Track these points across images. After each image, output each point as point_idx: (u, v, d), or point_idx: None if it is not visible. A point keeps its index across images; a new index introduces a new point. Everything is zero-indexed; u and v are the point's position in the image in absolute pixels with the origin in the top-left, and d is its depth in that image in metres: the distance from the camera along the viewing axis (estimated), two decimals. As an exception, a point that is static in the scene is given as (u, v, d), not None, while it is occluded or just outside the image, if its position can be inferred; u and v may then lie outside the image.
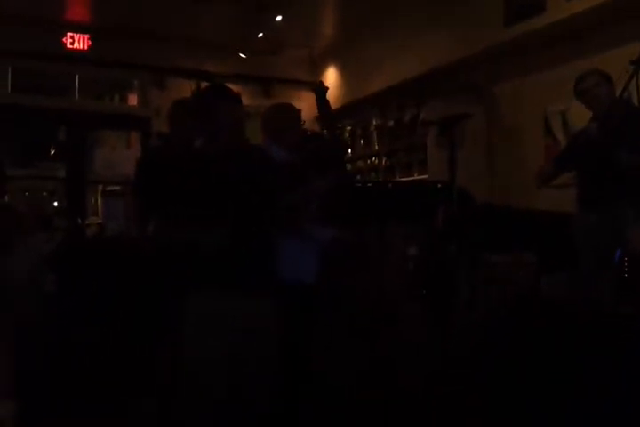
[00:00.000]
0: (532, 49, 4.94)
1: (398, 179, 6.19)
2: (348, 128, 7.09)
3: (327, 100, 2.58)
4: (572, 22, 4.46)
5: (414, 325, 3.11)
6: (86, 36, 6.43)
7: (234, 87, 2.32)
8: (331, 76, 7.38)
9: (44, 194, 6.26)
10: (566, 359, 2.40)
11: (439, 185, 3.59)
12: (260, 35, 6.55)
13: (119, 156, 6.57)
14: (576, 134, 3.69)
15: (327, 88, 2.59)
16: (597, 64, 3.51)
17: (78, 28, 6.38)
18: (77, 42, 6.42)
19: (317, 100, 2.58)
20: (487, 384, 2.62)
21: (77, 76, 6.62)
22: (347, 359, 2.78)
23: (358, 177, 6.60)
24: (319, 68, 7.59)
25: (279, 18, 6.22)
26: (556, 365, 2.39)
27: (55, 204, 6.29)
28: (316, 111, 2.76)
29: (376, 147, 6.77)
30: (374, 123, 6.82)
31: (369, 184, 4.78)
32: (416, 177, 5.91)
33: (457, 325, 2.76)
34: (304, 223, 2.36)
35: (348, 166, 6.58)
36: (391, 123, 6.54)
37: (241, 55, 6.92)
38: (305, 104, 7.08)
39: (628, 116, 2.98)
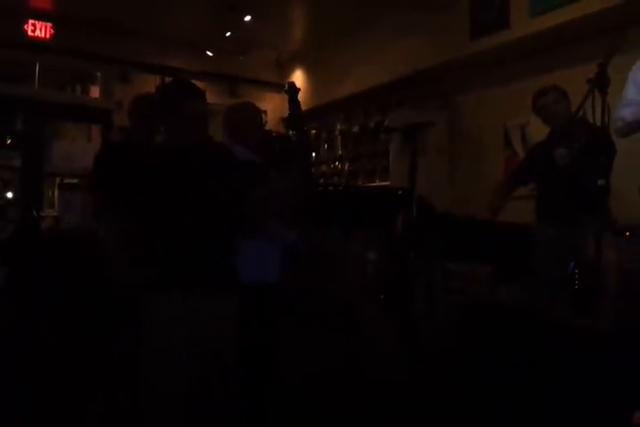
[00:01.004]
0: (495, 63, 5.06)
1: (361, 184, 6.23)
2: (313, 132, 7.11)
3: (298, 102, 2.58)
4: (534, 39, 4.60)
5: (372, 327, 3.13)
6: (49, 25, 6.25)
7: (199, 85, 2.29)
8: (297, 80, 7.38)
9: (-1, 183, 6.06)
10: (516, 367, 2.45)
11: (400, 192, 3.63)
12: (228, 34, 6.51)
13: (79, 148, 6.40)
14: (532, 148, 3.77)
15: (299, 89, 2.58)
16: (558, 80, 3.61)
17: (41, 16, 6.21)
18: (39, 30, 6.24)
19: (289, 100, 2.58)
20: (439, 389, 2.65)
21: (38, 65, 6.43)
22: (307, 358, 2.78)
23: (321, 181, 6.62)
24: (286, 71, 7.59)
25: (248, 18, 6.19)
26: (506, 372, 2.44)
27: (9, 194, 6.10)
28: (286, 112, 2.75)
29: (340, 152, 6.81)
30: (339, 128, 6.86)
31: (330, 188, 4.79)
32: (378, 183, 5.97)
33: (413, 330, 2.79)
34: (267, 222, 2.34)
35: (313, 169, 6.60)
36: (356, 128, 6.60)
37: (208, 53, 6.86)
38: (270, 105, 7.09)
39: (592, 135, 3.05)
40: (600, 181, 2.60)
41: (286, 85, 2.58)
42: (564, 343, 2.47)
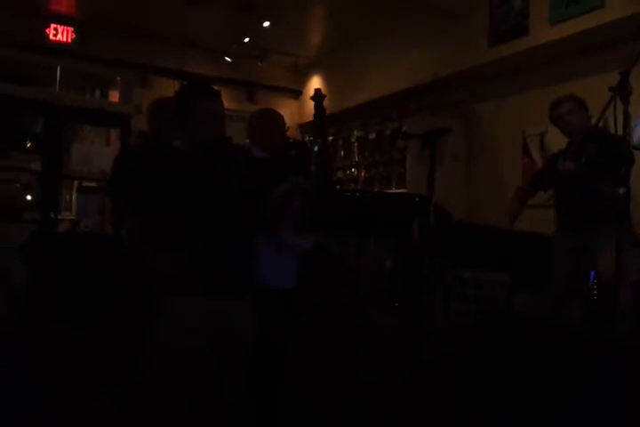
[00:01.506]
0: (514, 71, 5.03)
1: (377, 190, 6.20)
2: (330, 138, 7.11)
3: (324, 108, 2.63)
4: (553, 47, 4.57)
5: (385, 335, 3.12)
6: (70, 29, 6.34)
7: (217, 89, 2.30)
8: (314, 86, 7.35)
9: (17, 186, 6.12)
10: (528, 375, 2.43)
11: (417, 198, 3.62)
12: (247, 39, 6.56)
13: (97, 152, 6.47)
14: (550, 158, 3.76)
15: (324, 96, 2.63)
16: (578, 89, 3.59)
17: (63, 21, 6.30)
18: (61, 34, 6.33)
19: (315, 107, 2.63)
20: (447, 397, 2.63)
21: (59, 69, 6.52)
22: (319, 364, 2.78)
23: (337, 187, 6.61)
24: (303, 77, 7.62)
25: (267, 23, 6.23)
26: (518, 380, 2.42)
27: (28, 197, 6.17)
28: (302, 118, 2.79)
29: (356, 158, 6.80)
30: (355, 134, 6.86)
31: (347, 193, 4.78)
32: (394, 190, 5.95)
33: (426, 338, 2.78)
34: (283, 227, 2.35)
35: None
36: (373, 135, 6.58)
37: (226, 59, 6.91)
38: (286, 111, 7.06)
39: (603, 145, 3.05)
40: (621, 190, 2.59)
41: (313, 92, 2.62)
42: (579, 352, 2.45)
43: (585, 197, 3.11)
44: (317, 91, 2.62)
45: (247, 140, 2.81)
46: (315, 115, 2.61)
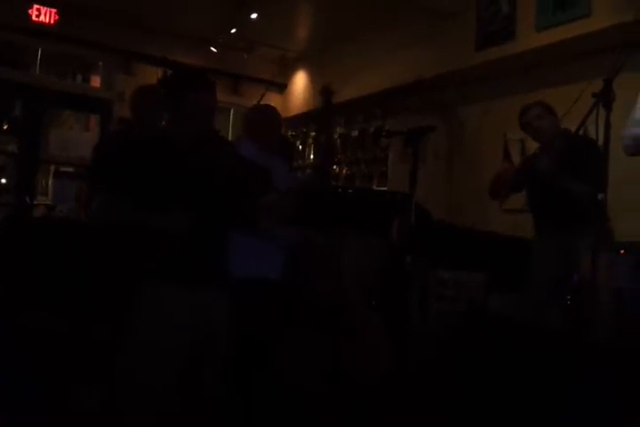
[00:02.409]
0: (500, 74, 5.06)
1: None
2: (312, 134, 7.10)
3: (331, 104, 2.67)
4: (539, 52, 4.60)
5: (371, 333, 3.13)
6: (53, 10, 6.21)
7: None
8: (300, 81, 7.37)
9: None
10: (502, 375, 2.45)
11: (398, 196, 3.63)
12: (234, 31, 6.50)
13: (76, 137, 6.37)
14: (525, 160, 3.81)
15: (333, 92, 2.66)
16: (561, 96, 3.62)
17: (46, 2, 6.17)
18: (43, 15, 6.20)
19: (323, 102, 2.66)
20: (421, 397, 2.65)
21: (40, 51, 6.39)
22: (302, 356, 2.78)
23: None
24: (289, 71, 7.58)
25: (255, 15, 6.18)
26: (492, 380, 2.44)
27: (3, 180, 6.05)
28: (286, 112, 2.81)
29: (338, 155, 6.80)
30: (338, 131, 6.86)
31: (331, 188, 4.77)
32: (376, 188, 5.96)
33: (402, 336, 2.79)
34: (270, 223, 2.35)
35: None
36: (355, 133, 6.59)
37: (212, 49, 6.85)
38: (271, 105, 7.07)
39: (570, 147, 3.11)
40: (600, 196, 2.62)
41: (321, 88, 2.65)
42: (552, 353, 2.47)
43: (559, 199, 3.15)
44: (326, 86, 2.65)
45: (243, 134, 2.82)
46: (321, 110, 2.64)
